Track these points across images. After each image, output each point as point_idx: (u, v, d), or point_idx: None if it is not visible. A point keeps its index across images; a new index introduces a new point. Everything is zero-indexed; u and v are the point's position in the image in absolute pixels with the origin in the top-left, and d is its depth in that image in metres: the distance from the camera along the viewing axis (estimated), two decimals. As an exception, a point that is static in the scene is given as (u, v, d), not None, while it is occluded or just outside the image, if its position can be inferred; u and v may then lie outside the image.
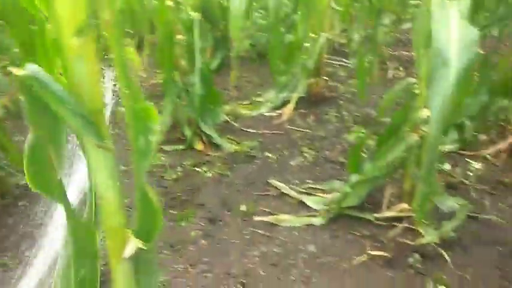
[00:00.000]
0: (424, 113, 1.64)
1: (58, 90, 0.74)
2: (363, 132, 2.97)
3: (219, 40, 4.14)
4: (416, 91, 1.78)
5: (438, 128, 1.18)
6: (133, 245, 0.86)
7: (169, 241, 2.02)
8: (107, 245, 0.89)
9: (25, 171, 0.77)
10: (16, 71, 0.70)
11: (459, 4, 1.12)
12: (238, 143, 2.94)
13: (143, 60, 3.87)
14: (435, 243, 1.88)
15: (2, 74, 2.97)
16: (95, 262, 0.86)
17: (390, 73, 4.15)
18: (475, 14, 2.35)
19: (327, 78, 3.71)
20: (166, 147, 2.80)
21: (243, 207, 2.25)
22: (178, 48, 2.83)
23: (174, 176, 2.52)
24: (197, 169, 2.63)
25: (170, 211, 2.25)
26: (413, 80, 2.04)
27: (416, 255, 1.84)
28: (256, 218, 2.18)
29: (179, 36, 2.78)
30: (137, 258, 0.89)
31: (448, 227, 1.87)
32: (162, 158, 2.67)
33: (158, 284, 0.90)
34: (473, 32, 1.07)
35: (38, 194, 0.81)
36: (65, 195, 0.82)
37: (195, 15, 2.78)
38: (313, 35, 3.30)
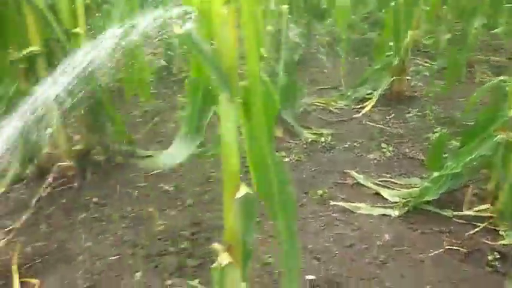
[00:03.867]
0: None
1: (205, 49, 0.90)
2: (445, 132, 2.92)
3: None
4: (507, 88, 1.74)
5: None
6: (243, 190, 1.02)
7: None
8: (224, 185, 1.04)
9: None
10: (176, 30, 0.86)
11: None
12: (316, 133, 3.03)
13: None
14: (517, 245, 1.84)
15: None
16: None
17: (477, 77, 3.99)
18: None
19: (410, 78, 3.67)
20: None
21: (319, 192, 2.35)
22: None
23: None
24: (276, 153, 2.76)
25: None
26: (504, 79, 2.00)
27: (496, 254, 1.81)
28: (333, 203, 2.26)
29: (269, 27, 2.93)
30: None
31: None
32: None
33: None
34: None
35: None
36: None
37: (283, 8, 2.91)
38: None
